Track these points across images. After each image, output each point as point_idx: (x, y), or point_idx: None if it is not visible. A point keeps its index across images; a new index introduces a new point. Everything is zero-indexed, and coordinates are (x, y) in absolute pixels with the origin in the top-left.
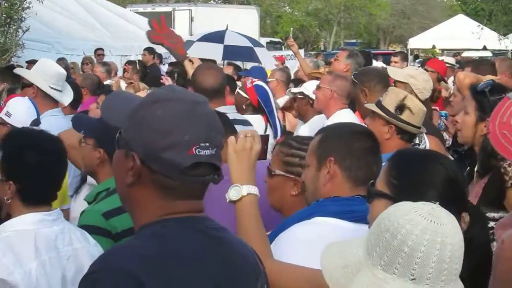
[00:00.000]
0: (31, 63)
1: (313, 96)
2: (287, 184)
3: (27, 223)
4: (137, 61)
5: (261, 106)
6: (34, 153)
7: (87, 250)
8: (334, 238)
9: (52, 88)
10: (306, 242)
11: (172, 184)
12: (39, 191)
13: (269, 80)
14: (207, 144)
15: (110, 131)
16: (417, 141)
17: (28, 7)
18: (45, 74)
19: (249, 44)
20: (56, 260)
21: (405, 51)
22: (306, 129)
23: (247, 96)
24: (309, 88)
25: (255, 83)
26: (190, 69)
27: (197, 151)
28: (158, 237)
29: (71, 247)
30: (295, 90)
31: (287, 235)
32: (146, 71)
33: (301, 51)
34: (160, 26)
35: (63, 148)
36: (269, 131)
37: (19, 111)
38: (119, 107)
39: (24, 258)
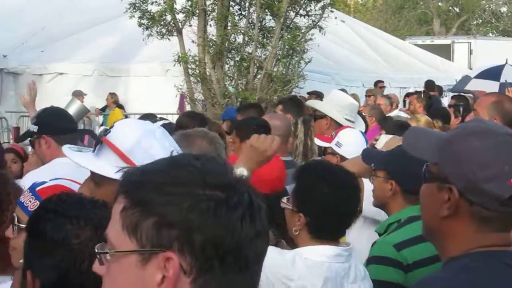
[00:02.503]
0: (312, 94)
1: None
2: None
3: (323, 255)
4: (422, 92)
5: None
6: (329, 187)
7: (366, 286)
8: None
9: (346, 119)
10: None
11: (490, 216)
12: (329, 226)
13: None
14: None
15: (401, 163)
16: None
17: (311, 39)
18: (339, 105)
19: None
20: None
21: None
22: None
23: None
24: None
25: None
26: None
27: None
28: (468, 270)
29: (356, 284)
30: None
31: None
32: (431, 103)
33: None
34: None
35: (358, 183)
36: None
37: (349, 142)
38: (422, 140)
39: None
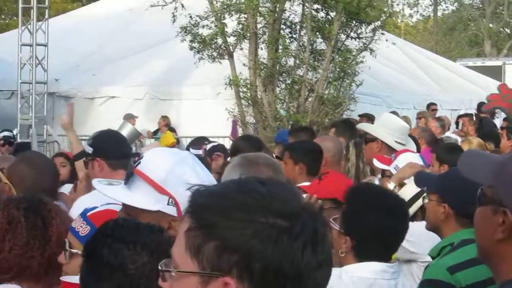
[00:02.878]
0: (363, 116)
1: None
2: None
3: (369, 271)
4: (473, 114)
5: None
6: (377, 213)
7: None
8: None
9: (397, 142)
10: None
11: None
12: (375, 251)
13: None
14: None
15: (454, 186)
16: None
17: (362, 61)
18: (390, 128)
19: None
20: None
21: None
22: None
23: None
24: None
25: None
26: None
27: None
28: None
29: None
30: None
31: None
32: (482, 125)
33: None
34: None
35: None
36: None
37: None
38: (477, 163)
39: None
